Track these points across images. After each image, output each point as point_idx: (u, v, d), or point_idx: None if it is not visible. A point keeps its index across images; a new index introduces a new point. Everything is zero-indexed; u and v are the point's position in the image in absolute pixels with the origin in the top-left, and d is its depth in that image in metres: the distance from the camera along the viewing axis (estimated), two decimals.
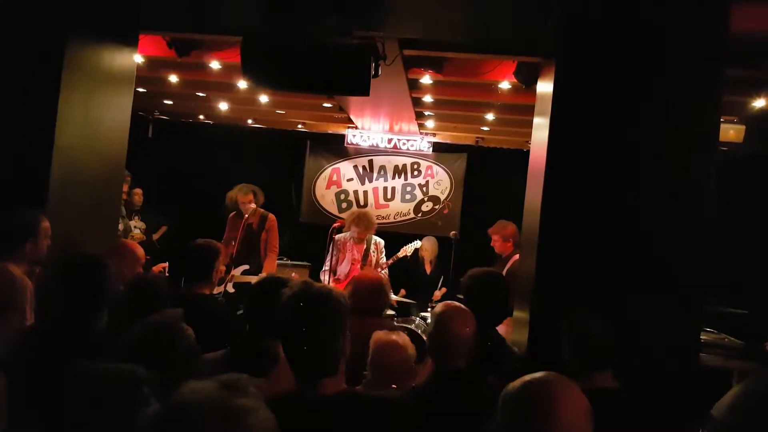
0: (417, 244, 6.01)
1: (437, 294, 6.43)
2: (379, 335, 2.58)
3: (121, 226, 6.01)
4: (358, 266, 5.50)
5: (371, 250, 5.57)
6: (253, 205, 5.76)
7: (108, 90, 3.81)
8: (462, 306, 2.45)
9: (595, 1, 3.14)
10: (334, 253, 5.49)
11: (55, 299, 2.24)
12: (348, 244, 5.58)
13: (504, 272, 5.28)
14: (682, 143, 3.06)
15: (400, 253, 5.81)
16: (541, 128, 3.45)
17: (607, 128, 3.11)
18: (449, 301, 2.55)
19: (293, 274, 6.05)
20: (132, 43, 4.03)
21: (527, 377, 1.47)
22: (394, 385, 2.44)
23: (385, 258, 5.66)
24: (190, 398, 1.01)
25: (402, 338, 2.57)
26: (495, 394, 2.21)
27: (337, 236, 5.52)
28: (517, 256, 5.48)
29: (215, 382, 1.05)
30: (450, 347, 2.29)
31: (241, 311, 2.59)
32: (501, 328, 3.29)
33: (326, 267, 5.56)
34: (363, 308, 3.06)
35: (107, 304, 2.32)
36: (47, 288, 2.45)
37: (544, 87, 3.52)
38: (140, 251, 3.41)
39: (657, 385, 2.82)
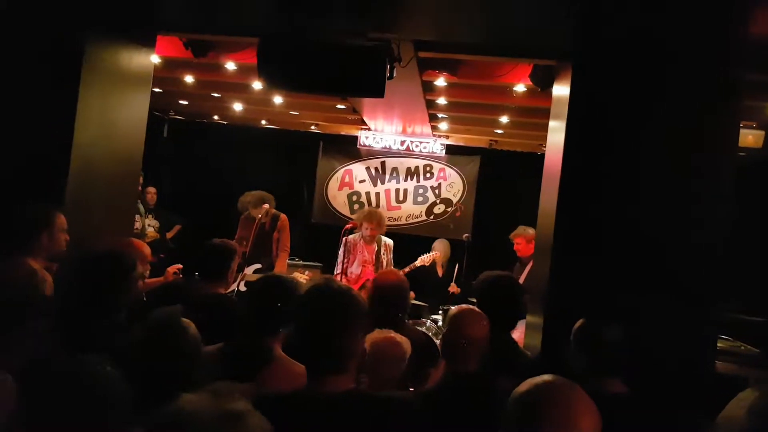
0: (434, 254, 5.94)
1: (452, 287, 6.39)
2: (373, 335, 2.56)
3: (138, 225, 6.05)
4: (370, 268, 5.44)
5: (382, 252, 5.51)
6: (267, 206, 5.79)
7: (126, 90, 3.85)
8: (476, 309, 2.45)
9: (613, 4, 3.13)
10: (346, 254, 5.44)
11: (72, 295, 2.25)
12: (359, 245, 5.52)
13: (525, 274, 5.28)
14: (701, 148, 3.04)
15: (418, 263, 5.73)
16: (556, 131, 3.43)
17: (623, 132, 3.09)
18: (464, 305, 2.55)
19: (306, 273, 6.02)
20: (150, 43, 4.06)
21: (532, 380, 1.46)
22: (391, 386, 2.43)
23: (391, 257, 5.58)
24: (187, 408, 1.03)
25: (398, 335, 2.55)
26: (507, 397, 2.22)
27: (347, 237, 5.47)
28: None
29: (205, 391, 1.09)
30: (463, 349, 2.29)
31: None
32: (516, 334, 3.28)
33: (338, 270, 5.50)
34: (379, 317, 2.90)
35: (126, 301, 2.33)
36: (64, 283, 2.46)
37: (561, 90, 3.50)
38: (146, 249, 3.42)
39: (671, 392, 2.80)
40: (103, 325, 2.22)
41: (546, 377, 1.46)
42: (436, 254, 5.96)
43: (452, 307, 2.56)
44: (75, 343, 2.10)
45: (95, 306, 2.26)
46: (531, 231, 5.54)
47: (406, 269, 5.51)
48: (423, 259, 5.79)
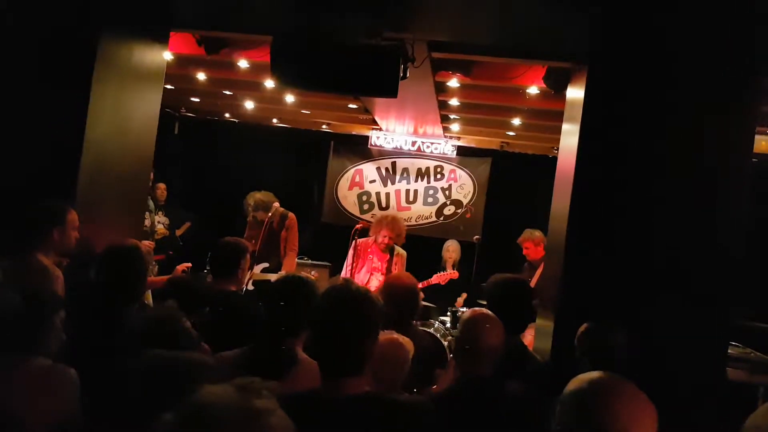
0: (451, 273, 5.75)
1: (460, 301, 6.36)
2: None
3: (148, 222, 6.07)
4: (379, 278, 5.03)
5: (393, 263, 5.07)
6: (276, 204, 5.78)
7: (138, 86, 3.85)
8: (491, 314, 2.41)
9: (629, 7, 3.10)
10: (354, 258, 5.09)
11: (88, 289, 2.26)
12: (370, 249, 5.11)
13: (536, 277, 5.24)
14: (714, 153, 3.01)
15: (434, 280, 5.50)
16: (570, 134, 3.41)
17: (638, 136, 3.06)
18: (478, 308, 2.51)
19: (312, 273, 5.95)
20: (163, 40, 4.07)
21: (585, 377, 1.41)
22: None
23: (404, 270, 5.08)
24: (208, 401, 1.00)
25: (401, 336, 2.52)
26: (518, 402, 2.20)
27: (358, 240, 5.12)
28: None
29: (231, 385, 1.05)
30: (477, 355, 2.26)
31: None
32: (526, 339, 3.26)
33: (346, 274, 5.10)
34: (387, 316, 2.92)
35: (139, 296, 2.34)
36: (78, 278, 2.47)
37: (575, 93, 3.48)
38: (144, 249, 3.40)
39: (682, 399, 2.78)
40: (118, 319, 2.22)
41: (597, 374, 1.41)
42: (454, 273, 5.73)
43: (463, 309, 2.54)
44: (89, 336, 2.11)
45: (121, 297, 2.27)
46: (537, 233, 5.51)
47: (420, 285, 4.79)
48: (440, 277, 5.50)
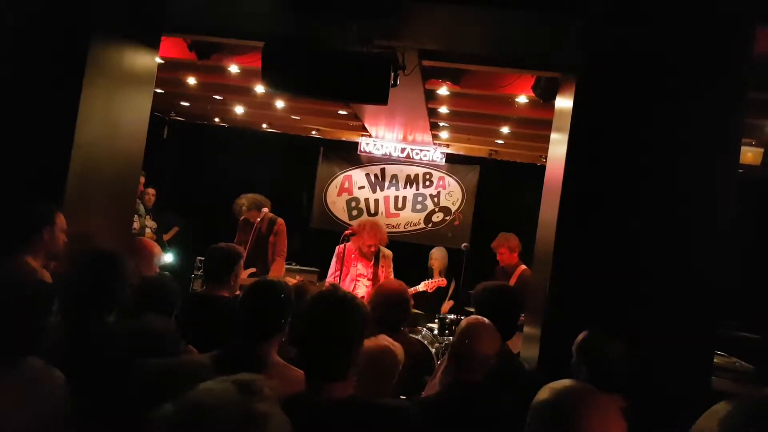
0: (439, 280, 5.77)
1: (445, 307, 6.37)
2: (367, 343, 2.53)
3: (136, 225, 6.03)
4: (366, 283, 4.94)
5: (380, 266, 5.00)
6: (266, 209, 5.76)
7: (128, 90, 3.84)
8: (489, 322, 2.42)
9: (619, 18, 3.14)
10: (338, 266, 5.00)
11: (68, 293, 2.24)
12: (353, 256, 5.02)
13: (511, 284, 5.24)
14: (702, 164, 3.05)
15: (421, 287, 5.42)
16: (558, 144, 3.44)
17: (625, 146, 3.10)
18: (475, 316, 2.52)
19: (297, 278, 5.87)
20: (154, 44, 4.06)
21: (555, 385, 1.42)
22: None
23: (391, 270, 5.11)
24: (206, 401, 0.96)
25: (393, 343, 2.52)
26: (505, 409, 2.21)
27: (341, 246, 5.04)
28: (522, 267, 5.47)
29: (230, 383, 1.00)
30: (472, 362, 2.27)
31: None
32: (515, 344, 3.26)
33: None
34: (379, 320, 2.86)
35: (119, 301, 2.32)
36: (61, 282, 2.45)
37: (563, 103, 3.51)
38: (157, 249, 3.40)
39: (666, 408, 2.80)
40: (95, 323, 2.21)
41: (567, 382, 1.42)
42: (441, 280, 5.75)
43: (451, 316, 2.54)
44: (67, 340, 2.09)
45: (89, 303, 2.25)
46: (513, 239, 5.52)
47: (411, 291, 4.72)
48: (427, 285, 5.46)
